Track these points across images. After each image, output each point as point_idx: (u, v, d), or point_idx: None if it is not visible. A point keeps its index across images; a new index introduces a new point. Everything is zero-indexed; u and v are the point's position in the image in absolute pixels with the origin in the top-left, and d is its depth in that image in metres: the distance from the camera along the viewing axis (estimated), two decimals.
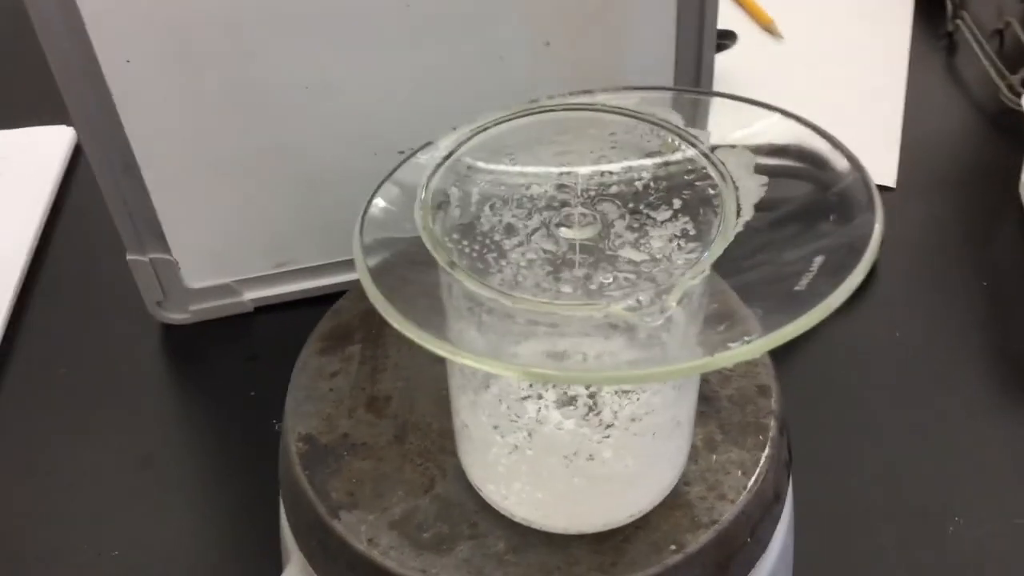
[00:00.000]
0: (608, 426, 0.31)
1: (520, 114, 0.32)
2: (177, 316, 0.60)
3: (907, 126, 0.72)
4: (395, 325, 0.27)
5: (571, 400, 0.32)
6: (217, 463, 0.53)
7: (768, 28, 0.81)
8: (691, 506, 0.36)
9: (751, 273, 0.28)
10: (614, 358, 0.31)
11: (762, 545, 0.38)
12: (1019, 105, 0.69)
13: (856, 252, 0.26)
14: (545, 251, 0.29)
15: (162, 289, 0.59)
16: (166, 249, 0.57)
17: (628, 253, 0.29)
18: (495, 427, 0.32)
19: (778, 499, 0.38)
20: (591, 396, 0.32)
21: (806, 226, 0.29)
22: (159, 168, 0.54)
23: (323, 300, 0.61)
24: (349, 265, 0.61)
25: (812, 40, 0.81)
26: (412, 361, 0.41)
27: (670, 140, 0.31)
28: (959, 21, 0.79)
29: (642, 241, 0.29)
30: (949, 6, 0.80)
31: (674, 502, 0.36)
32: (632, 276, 0.28)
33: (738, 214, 0.28)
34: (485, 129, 0.32)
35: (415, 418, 0.39)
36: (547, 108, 0.33)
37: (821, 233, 0.28)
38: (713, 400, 0.39)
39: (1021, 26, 0.76)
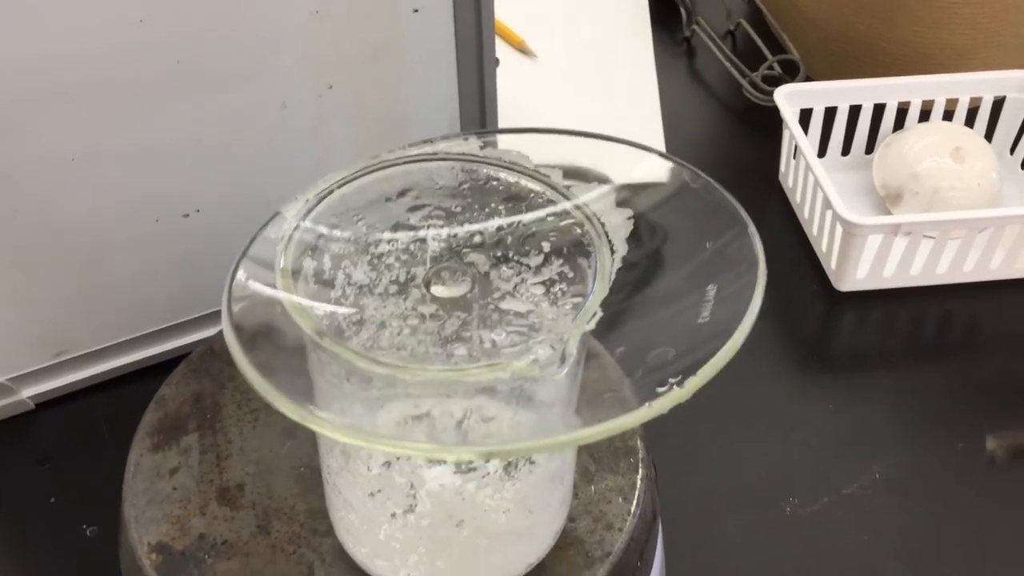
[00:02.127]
0: (509, 479, 0.30)
1: (362, 172, 0.31)
2: None
3: (667, 131, 0.75)
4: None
5: (469, 465, 0.30)
6: None
7: (521, 48, 0.83)
8: (581, 542, 0.35)
9: (646, 312, 0.28)
10: (480, 414, 0.31)
11: (648, 565, 0.38)
12: (766, 100, 0.74)
13: (739, 273, 0.26)
14: (426, 314, 0.28)
15: None
16: None
17: (511, 305, 0.28)
18: (386, 503, 0.31)
19: (655, 517, 0.39)
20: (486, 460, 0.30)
21: (681, 254, 0.29)
22: None
23: (113, 384, 0.57)
24: (138, 343, 0.57)
25: (563, 57, 0.83)
26: (259, 441, 0.38)
27: (523, 183, 0.30)
28: (695, 26, 0.84)
29: (521, 290, 0.28)
30: (684, 13, 0.84)
31: (564, 541, 0.35)
32: (523, 329, 0.27)
33: (612, 251, 0.28)
34: (330, 192, 0.30)
35: (275, 503, 0.36)
36: (389, 163, 0.31)
37: (695, 257, 0.29)
38: None
39: (750, 25, 0.82)
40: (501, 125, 0.60)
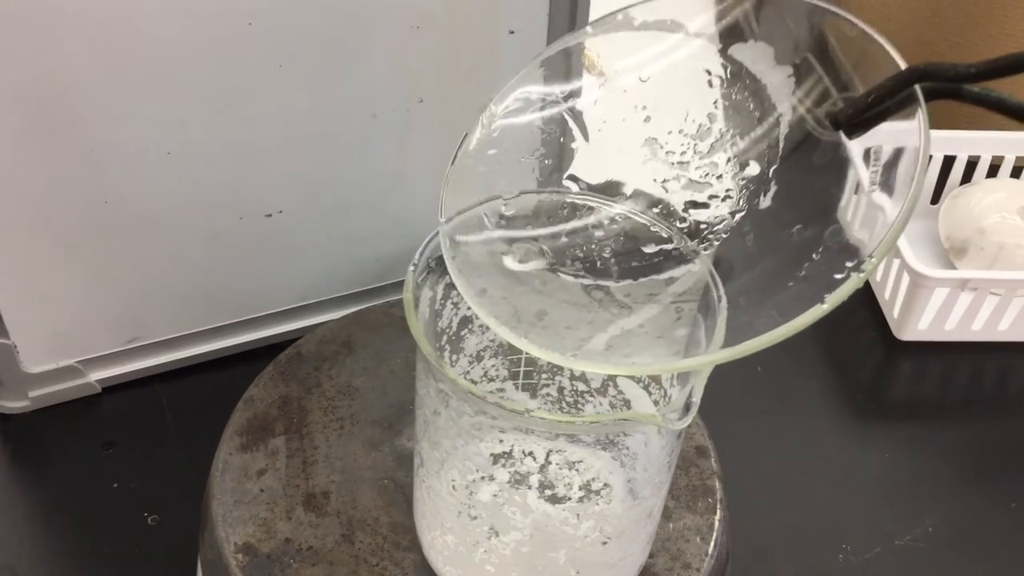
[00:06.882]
0: (610, 512, 0.31)
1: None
2: (15, 404, 0.54)
3: None
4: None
5: (584, 491, 0.31)
6: (89, 570, 0.48)
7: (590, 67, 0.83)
8: None
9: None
10: (564, 457, 0.32)
11: None
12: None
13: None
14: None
15: None
16: (3, 332, 0.51)
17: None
18: (487, 527, 0.31)
19: (728, 559, 0.39)
20: (596, 491, 0.31)
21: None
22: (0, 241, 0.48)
23: (178, 374, 0.57)
24: (209, 336, 0.58)
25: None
26: (344, 450, 0.39)
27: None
28: None
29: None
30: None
31: None
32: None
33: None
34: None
35: (360, 513, 0.37)
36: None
37: None
38: None
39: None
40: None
